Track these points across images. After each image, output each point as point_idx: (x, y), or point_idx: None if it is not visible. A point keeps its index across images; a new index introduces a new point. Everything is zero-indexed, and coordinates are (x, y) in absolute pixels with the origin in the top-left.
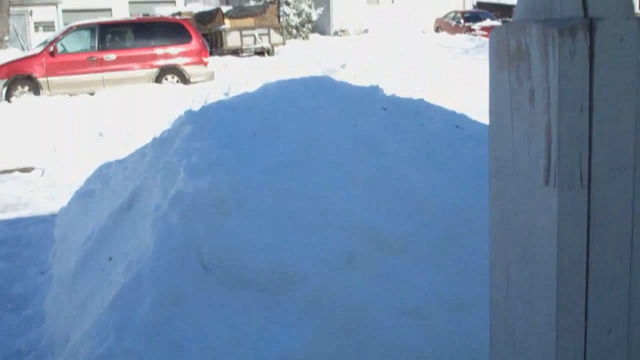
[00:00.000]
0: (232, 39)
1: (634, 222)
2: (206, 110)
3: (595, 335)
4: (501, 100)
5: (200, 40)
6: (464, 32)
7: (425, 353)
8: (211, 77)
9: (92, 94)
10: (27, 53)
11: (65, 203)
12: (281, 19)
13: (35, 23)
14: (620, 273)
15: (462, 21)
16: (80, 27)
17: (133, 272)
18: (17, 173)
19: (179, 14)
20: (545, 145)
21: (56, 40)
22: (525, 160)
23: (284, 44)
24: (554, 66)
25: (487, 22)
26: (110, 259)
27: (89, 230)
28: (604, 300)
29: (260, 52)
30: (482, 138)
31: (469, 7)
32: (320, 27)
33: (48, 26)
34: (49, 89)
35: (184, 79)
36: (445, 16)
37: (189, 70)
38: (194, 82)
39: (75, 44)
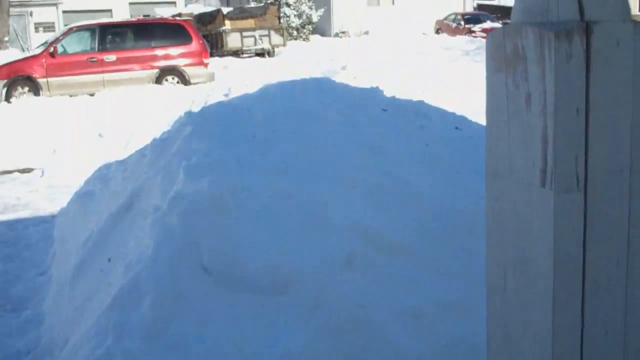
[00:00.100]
0: (232, 40)
1: (630, 224)
2: (206, 111)
3: (592, 336)
4: (498, 102)
5: (201, 42)
6: (464, 34)
7: (423, 354)
8: (211, 78)
9: (92, 94)
10: (27, 54)
11: (64, 204)
12: (282, 21)
13: (35, 24)
14: (617, 275)
15: (462, 23)
16: (81, 28)
17: (132, 273)
18: (16, 174)
19: (180, 15)
20: (542, 147)
21: (56, 41)
22: (521, 162)
23: (284, 45)
24: (550, 69)
25: (488, 24)
26: (109, 260)
27: (88, 231)
28: (601, 301)
29: (261, 54)
30: (482, 139)
31: (470, 9)
32: (321, 29)
33: (48, 27)
34: (49, 90)
35: (184, 80)
36: (446, 18)
37: (189, 71)
38: (194, 83)
39: (75, 45)
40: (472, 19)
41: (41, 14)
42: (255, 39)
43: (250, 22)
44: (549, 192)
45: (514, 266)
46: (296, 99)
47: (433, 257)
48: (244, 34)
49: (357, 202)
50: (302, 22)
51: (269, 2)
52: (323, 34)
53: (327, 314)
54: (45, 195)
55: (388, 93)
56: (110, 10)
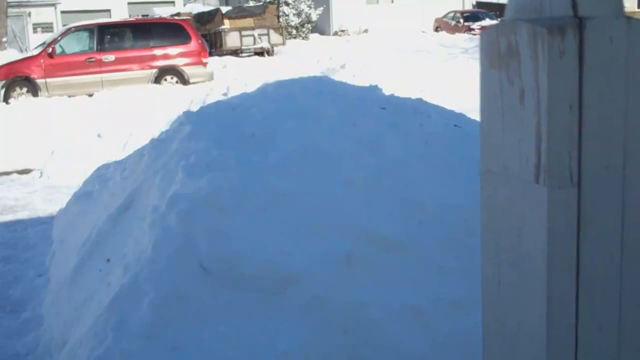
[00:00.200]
0: (231, 40)
1: (624, 219)
2: (204, 111)
3: (586, 332)
4: (492, 99)
5: (200, 41)
6: (464, 32)
7: (424, 352)
8: (210, 77)
9: (90, 95)
10: (25, 54)
11: (63, 205)
12: (281, 19)
13: (33, 24)
14: (611, 270)
15: (461, 21)
16: (79, 29)
17: (131, 273)
18: (15, 175)
19: (178, 14)
20: (535, 144)
21: (55, 41)
22: (515, 158)
23: (283, 44)
24: (543, 65)
25: (487, 22)
26: (108, 260)
27: (87, 232)
28: (595, 297)
29: (260, 53)
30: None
31: (468, 6)
32: (320, 27)
33: (47, 27)
34: (48, 91)
35: (183, 80)
36: (445, 16)
37: (188, 70)
38: (193, 83)
39: (73, 45)
40: (471, 16)
41: (39, 15)
42: (254, 38)
43: (249, 21)
44: (542, 188)
45: (508, 262)
46: (295, 97)
47: (432, 254)
48: (243, 33)
49: (355, 200)
50: (301, 21)
51: (267, 1)
52: (322, 33)
53: (326, 312)
54: (44, 196)
55: (387, 91)
56: (108, 10)
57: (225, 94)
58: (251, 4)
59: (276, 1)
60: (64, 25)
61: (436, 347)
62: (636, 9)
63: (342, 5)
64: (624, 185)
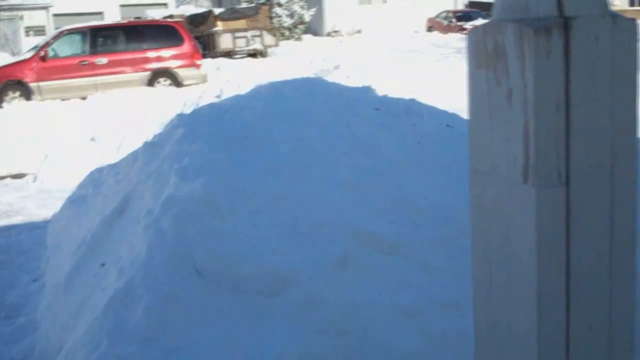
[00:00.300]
0: (224, 41)
1: (612, 218)
2: (198, 113)
3: (577, 332)
4: (479, 99)
5: (193, 43)
6: (456, 32)
7: (419, 353)
8: (204, 79)
9: (84, 98)
10: (17, 58)
11: (57, 209)
12: (273, 21)
13: (26, 28)
14: (601, 269)
15: (454, 20)
16: (72, 32)
17: (126, 277)
18: (9, 179)
19: (171, 16)
20: (523, 143)
21: (47, 44)
22: (503, 158)
23: (276, 45)
24: (530, 65)
25: (479, 21)
26: (103, 264)
27: (81, 236)
28: (585, 296)
29: (253, 54)
30: None
31: (461, 6)
32: (313, 28)
33: (39, 31)
34: (41, 94)
35: (176, 82)
36: (437, 16)
37: (181, 73)
38: (186, 85)
39: (66, 48)
40: (464, 16)
41: (31, 18)
42: (248, 40)
43: (242, 23)
44: (531, 187)
45: (498, 262)
46: (288, 99)
47: (426, 255)
48: (236, 34)
49: (350, 202)
50: (294, 22)
51: (260, 2)
52: (315, 34)
53: (321, 314)
54: (38, 200)
55: (380, 92)
56: (101, 13)
57: (218, 96)
58: (244, 5)
59: (269, 2)
60: (56, 29)
61: (430, 347)
62: (627, 7)
63: (334, 5)
64: (612, 184)
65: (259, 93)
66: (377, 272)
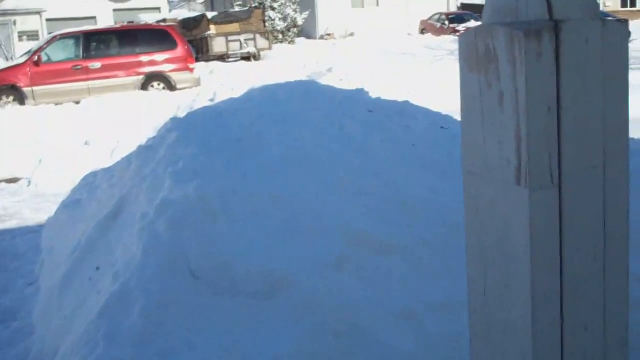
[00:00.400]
0: (218, 45)
1: (605, 219)
2: (191, 116)
3: (572, 332)
4: (472, 102)
5: (186, 47)
6: (449, 34)
7: (416, 354)
8: (197, 83)
9: (77, 102)
10: (11, 63)
11: (52, 213)
12: (267, 24)
13: (19, 32)
14: (594, 269)
15: (446, 23)
16: (65, 36)
17: (121, 281)
18: (3, 184)
19: (164, 21)
20: (516, 146)
21: (40, 49)
22: (496, 161)
23: (270, 48)
24: (521, 68)
25: (472, 23)
26: (98, 268)
27: (76, 240)
28: (579, 297)
29: (247, 57)
30: None
31: (454, 8)
32: (306, 31)
33: (32, 35)
34: (34, 99)
35: (170, 86)
36: (430, 18)
37: (175, 76)
38: (180, 89)
39: (59, 53)
40: (457, 18)
41: (25, 23)
42: (241, 43)
43: (235, 27)
44: (524, 189)
45: (492, 263)
46: (282, 102)
47: (422, 257)
48: (230, 38)
49: (345, 203)
50: (287, 25)
51: (253, 6)
52: (308, 37)
53: (318, 316)
54: (32, 205)
55: (374, 94)
56: (94, 18)
57: (212, 100)
58: (237, 9)
59: (262, 6)
60: (49, 33)
61: (427, 348)
62: (620, 8)
63: (327, 9)
64: (605, 185)
65: (252, 96)
66: (373, 273)
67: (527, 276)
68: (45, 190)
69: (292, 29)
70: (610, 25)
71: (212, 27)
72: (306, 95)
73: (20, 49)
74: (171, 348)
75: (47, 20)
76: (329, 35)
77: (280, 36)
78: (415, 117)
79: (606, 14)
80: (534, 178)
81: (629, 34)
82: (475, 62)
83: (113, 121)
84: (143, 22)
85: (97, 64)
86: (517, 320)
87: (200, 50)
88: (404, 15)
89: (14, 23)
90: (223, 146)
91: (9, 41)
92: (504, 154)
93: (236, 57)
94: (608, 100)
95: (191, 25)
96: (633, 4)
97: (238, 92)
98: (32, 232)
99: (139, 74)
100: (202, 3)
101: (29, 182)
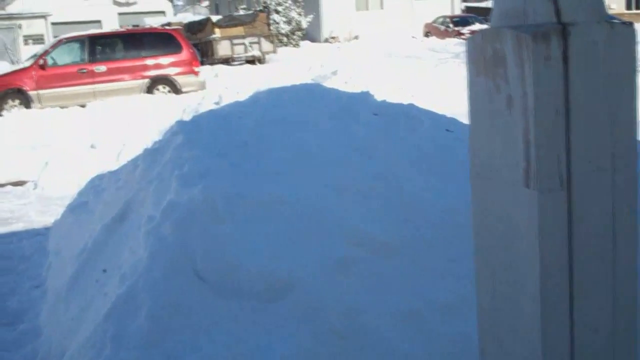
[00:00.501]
0: (222, 48)
1: (614, 221)
2: (197, 120)
3: (581, 335)
4: (480, 105)
5: (191, 50)
6: (454, 37)
7: (419, 357)
8: (202, 86)
9: (83, 106)
10: (17, 66)
11: (58, 216)
12: (271, 27)
13: (24, 36)
14: (603, 272)
15: (451, 26)
16: (70, 40)
17: (128, 283)
18: (9, 187)
19: (169, 24)
20: (524, 148)
21: (46, 53)
22: (504, 163)
23: (274, 51)
24: (529, 71)
25: (476, 26)
26: (104, 270)
27: (82, 243)
28: (589, 299)
29: (251, 61)
30: None
31: (458, 11)
32: (311, 35)
33: (37, 39)
34: (40, 102)
35: (175, 89)
36: (435, 21)
37: (180, 80)
38: (185, 92)
39: (65, 57)
40: (461, 21)
41: (30, 27)
42: (246, 47)
43: (239, 30)
44: (532, 192)
45: (501, 266)
46: (287, 105)
47: (428, 258)
48: (234, 41)
49: (350, 206)
50: (291, 29)
51: (258, 9)
52: (313, 40)
53: (323, 318)
54: (39, 207)
55: (379, 97)
56: (99, 21)
57: (217, 103)
58: (241, 12)
59: (266, 9)
60: (54, 37)
61: (433, 351)
62: (624, 10)
63: (332, 12)
64: (613, 187)
65: (257, 99)
66: (377, 275)
67: (536, 278)
68: (51, 193)
69: (296, 32)
70: (618, 28)
71: (216, 30)
72: (311, 98)
73: (26, 53)
74: (177, 350)
75: (52, 24)
76: (333, 38)
77: (285, 39)
78: (420, 119)
79: (611, 17)
80: (543, 180)
81: (634, 37)
82: (483, 65)
83: (119, 124)
84: (148, 26)
85: (102, 68)
86: (526, 321)
87: (205, 54)
88: (409, 18)
89: (20, 27)
90: (228, 149)
91: (14, 45)
92: (512, 157)
93: (241, 61)
94: (616, 102)
95: (196, 29)
96: (638, 6)
97: (243, 96)
98: (38, 235)
99: (144, 77)
100: (206, 6)
101: (35, 185)
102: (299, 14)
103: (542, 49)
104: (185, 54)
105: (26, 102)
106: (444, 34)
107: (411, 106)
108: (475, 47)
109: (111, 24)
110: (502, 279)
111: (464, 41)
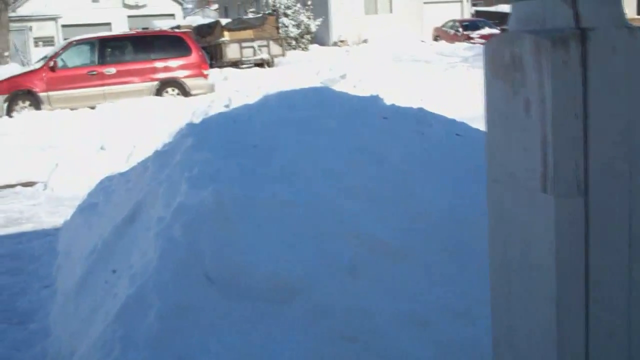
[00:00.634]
0: (231, 51)
1: (631, 227)
2: (207, 122)
3: (597, 339)
4: (497, 109)
5: (200, 53)
6: (463, 41)
7: None
8: (211, 89)
9: (92, 107)
10: (27, 68)
11: (68, 217)
12: (280, 31)
13: (35, 38)
14: (619, 277)
15: (460, 30)
16: (80, 42)
17: (137, 284)
18: (19, 188)
19: (178, 27)
20: (541, 153)
21: (56, 55)
22: (522, 168)
23: (283, 55)
24: (547, 76)
25: (486, 30)
26: (114, 271)
27: (92, 244)
28: (604, 304)
29: (260, 64)
30: (483, 145)
31: (467, 15)
32: (320, 38)
33: (48, 41)
34: (50, 104)
35: (184, 92)
36: (444, 25)
37: (189, 82)
38: (194, 95)
39: (75, 59)
40: (470, 25)
41: (40, 29)
42: (254, 50)
43: (248, 33)
44: (549, 197)
45: (517, 271)
46: (296, 108)
47: (438, 263)
48: (243, 44)
49: (359, 209)
50: (300, 32)
51: (267, 12)
52: (322, 43)
53: (332, 321)
54: (48, 208)
55: (388, 101)
56: (109, 24)
57: (227, 106)
58: (250, 15)
59: (275, 13)
60: (65, 39)
61: (442, 355)
62: (636, 16)
63: (341, 15)
64: (631, 193)
65: (267, 102)
66: (386, 279)
67: (552, 283)
68: (61, 194)
69: (305, 36)
70: (637, 33)
71: (225, 33)
72: (320, 101)
73: (36, 55)
74: (186, 351)
75: (63, 26)
76: (342, 41)
77: (294, 43)
78: (430, 123)
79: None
80: (560, 185)
81: None
82: (501, 69)
83: (128, 126)
84: (157, 29)
85: (112, 70)
86: (542, 326)
87: (214, 57)
88: (418, 22)
89: (30, 29)
90: (238, 152)
91: (25, 47)
92: (529, 161)
93: (249, 64)
94: (634, 108)
95: (205, 32)
96: None
97: (253, 98)
98: (48, 235)
99: (153, 79)
100: (215, 10)
101: (45, 186)
102: (308, 18)
103: (560, 53)
104: (194, 57)
105: (36, 103)
106: (453, 38)
107: (421, 110)
108: (493, 51)
109: (121, 27)
110: (517, 283)
111: (473, 45)
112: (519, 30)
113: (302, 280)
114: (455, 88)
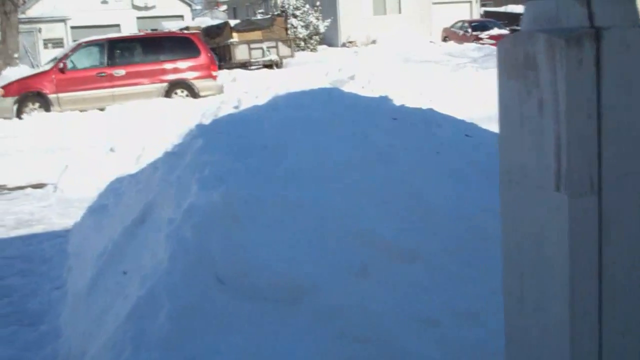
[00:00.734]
0: (240, 53)
1: None
2: (217, 123)
3: (610, 339)
4: (510, 109)
5: (209, 54)
6: (472, 41)
7: None
8: (220, 90)
9: (102, 109)
10: (37, 70)
11: (78, 218)
12: (289, 32)
13: (44, 40)
14: (633, 277)
15: (469, 30)
16: (89, 44)
17: (148, 285)
18: (29, 189)
19: (187, 28)
20: (555, 152)
21: (65, 56)
22: (535, 167)
23: (292, 56)
24: (561, 75)
25: (495, 31)
26: (125, 272)
27: (102, 245)
28: (618, 304)
29: (269, 65)
30: (492, 146)
31: (476, 16)
32: (328, 39)
33: (57, 43)
34: (60, 105)
35: (193, 93)
36: (453, 26)
37: (198, 84)
38: (203, 96)
39: (84, 60)
40: (479, 26)
41: (50, 31)
42: (263, 51)
43: (257, 34)
44: (563, 196)
45: (530, 270)
46: (306, 109)
47: (447, 264)
48: (252, 45)
49: (369, 210)
50: (309, 33)
51: (275, 13)
52: (330, 44)
53: (342, 322)
54: (58, 210)
55: (397, 102)
56: (118, 25)
57: (236, 107)
58: (259, 16)
59: (284, 14)
60: (74, 41)
61: (451, 356)
62: None
63: (349, 16)
64: None
65: (276, 103)
66: (396, 280)
67: (565, 283)
68: (70, 195)
69: (314, 37)
70: None
71: (234, 34)
72: (330, 102)
73: (45, 56)
74: (197, 352)
75: (72, 27)
76: (351, 42)
77: (302, 44)
78: (439, 124)
79: None
80: (574, 185)
81: None
82: (514, 68)
83: (137, 128)
84: (166, 30)
85: (121, 71)
86: (555, 326)
87: (223, 58)
88: (426, 23)
89: (39, 31)
90: (248, 153)
91: (34, 48)
92: (542, 161)
93: (258, 65)
94: None
95: (214, 33)
96: None
97: (262, 100)
98: (58, 237)
99: (162, 81)
100: (224, 11)
101: (55, 188)
102: (317, 19)
103: (575, 53)
104: (203, 58)
105: (46, 105)
106: (462, 39)
107: (430, 111)
108: (506, 51)
109: (130, 28)
110: (530, 283)
111: (482, 46)
112: (532, 29)
113: (312, 280)
114: (464, 89)
